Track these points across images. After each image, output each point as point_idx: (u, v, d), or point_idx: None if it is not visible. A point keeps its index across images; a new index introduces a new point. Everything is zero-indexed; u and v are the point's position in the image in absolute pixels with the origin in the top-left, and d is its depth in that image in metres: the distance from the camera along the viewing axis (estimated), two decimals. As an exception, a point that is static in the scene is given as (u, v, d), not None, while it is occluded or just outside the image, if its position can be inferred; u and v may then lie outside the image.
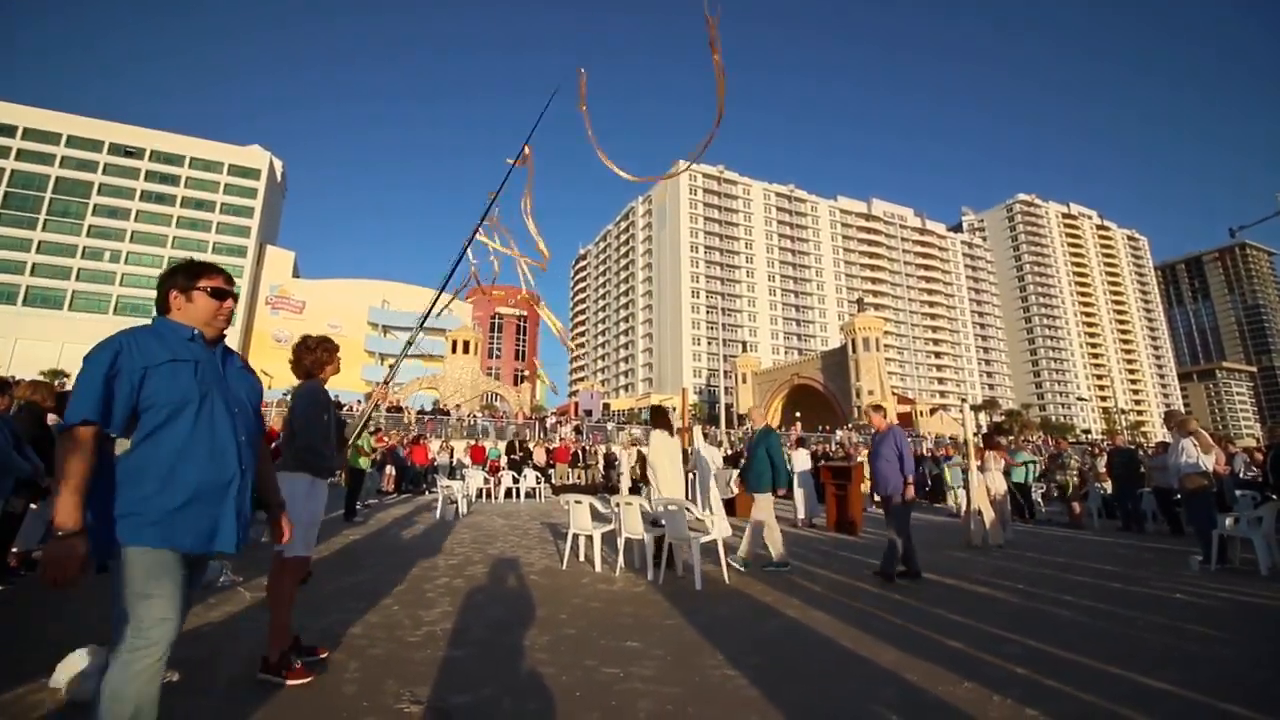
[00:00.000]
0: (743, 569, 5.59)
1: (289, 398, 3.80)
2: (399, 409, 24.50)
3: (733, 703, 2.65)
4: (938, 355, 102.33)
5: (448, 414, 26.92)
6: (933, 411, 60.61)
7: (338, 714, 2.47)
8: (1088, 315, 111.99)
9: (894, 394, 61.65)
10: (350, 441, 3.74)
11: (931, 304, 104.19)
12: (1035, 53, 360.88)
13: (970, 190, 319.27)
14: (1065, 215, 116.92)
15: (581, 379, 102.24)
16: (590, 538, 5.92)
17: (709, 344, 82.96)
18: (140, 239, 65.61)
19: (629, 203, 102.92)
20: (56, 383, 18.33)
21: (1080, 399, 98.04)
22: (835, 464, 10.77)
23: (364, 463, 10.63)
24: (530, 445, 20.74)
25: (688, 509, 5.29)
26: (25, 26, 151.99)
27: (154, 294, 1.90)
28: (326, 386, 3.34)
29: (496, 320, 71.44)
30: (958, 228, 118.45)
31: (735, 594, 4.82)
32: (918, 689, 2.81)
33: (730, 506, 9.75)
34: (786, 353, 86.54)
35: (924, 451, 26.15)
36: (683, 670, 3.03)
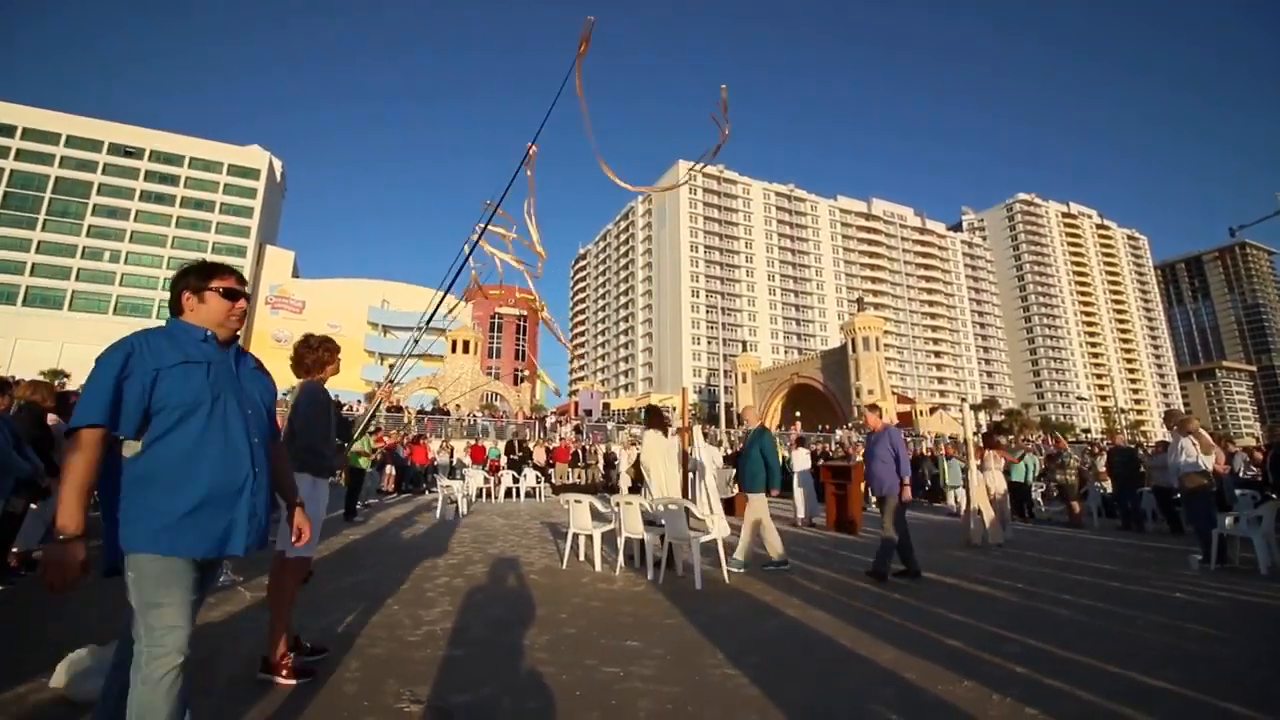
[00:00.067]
0: (742, 570, 5.59)
1: (288, 397, 3.80)
2: (399, 409, 24.50)
3: (733, 702, 2.65)
4: (937, 355, 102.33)
5: (447, 414, 26.92)
6: (932, 411, 60.60)
7: (338, 713, 2.47)
8: (1088, 314, 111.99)
9: (894, 393, 61.63)
10: (356, 437, 3.76)
11: (931, 303, 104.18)
12: (1035, 52, 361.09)
13: (970, 190, 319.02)
14: (1065, 215, 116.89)
15: (581, 378, 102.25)
16: (590, 537, 5.92)
17: (709, 343, 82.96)
18: (140, 239, 65.60)
19: (629, 202, 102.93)
20: (56, 383, 18.32)
21: (1080, 398, 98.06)
22: (835, 463, 10.78)
23: (364, 463, 10.63)
24: (530, 445, 20.75)
25: (688, 508, 5.29)
26: (25, 26, 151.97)
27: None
28: (326, 386, 3.34)
29: (496, 320, 71.44)
30: (958, 227, 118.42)
31: (735, 593, 4.82)
32: (917, 688, 2.81)
33: (730, 506, 9.76)
34: (786, 352, 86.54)
35: (924, 451, 26.17)
36: (683, 669, 3.03)
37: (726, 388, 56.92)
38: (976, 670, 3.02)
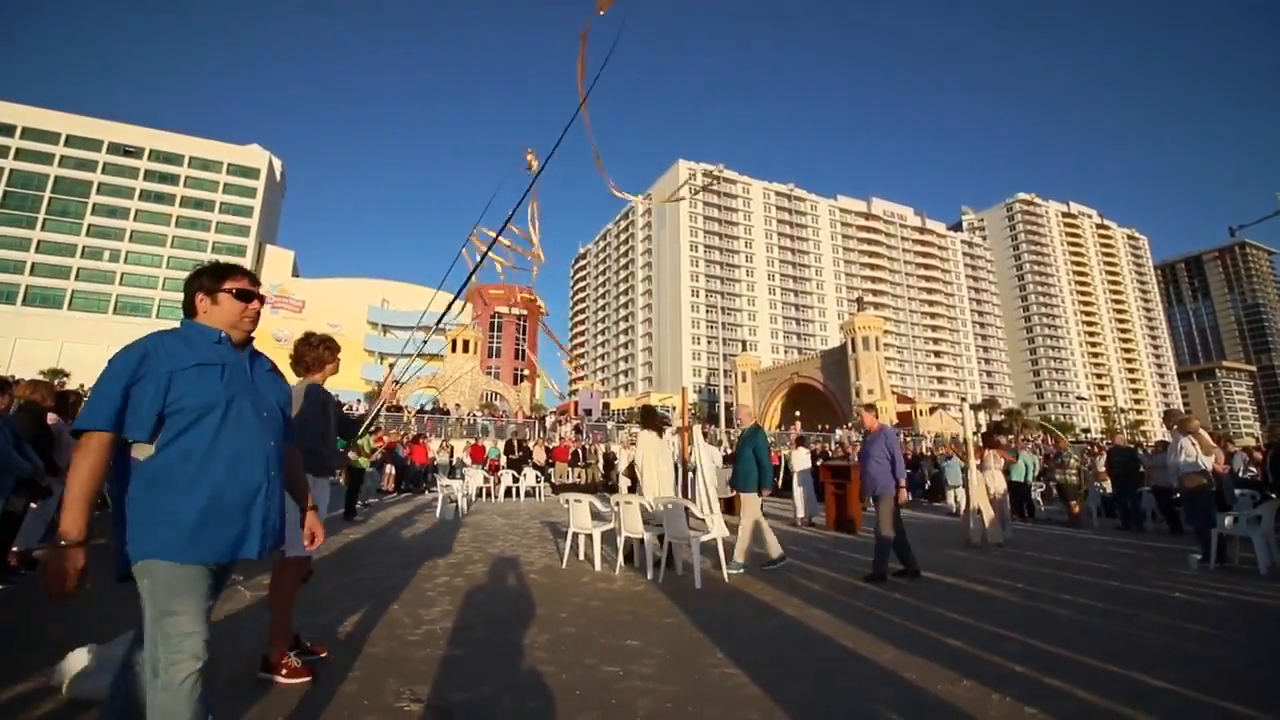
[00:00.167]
0: (741, 570, 5.59)
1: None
2: (398, 408, 24.50)
3: (732, 701, 2.65)
4: (937, 354, 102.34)
5: (447, 413, 26.94)
6: (932, 410, 60.61)
7: (338, 712, 2.47)
8: (1087, 314, 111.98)
9: (894, 393, 61.63)
10: (360, 434, 3.77)
11: (931, 303, 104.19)
12: (1035, 52, 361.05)
13: (970, 189, 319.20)
14: (1065, 214, 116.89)
15: (581, 378, 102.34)
16: (590, 536, 5.92)
17: (709, 343, 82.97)
18: (139, 238, 65.60)
19: (628, 202, 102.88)
20: (56, 382, 18.31)
21: (1080, 398, 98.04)
22: (834, 463, 10.78)
23: (364, 462, 10.64)
24: (530, 444, 20.75)
25: (687, 508, 5.29)
26: (25, 26, 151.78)
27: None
28: (325, 386, 3.34)
29: (496, 319, 71.41)
30: (957, 227, 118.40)
31: (735, 592, 4.83)
32: (917, 687, 2.81)
33: (730, 506, 9.75)
34: (786, 352, 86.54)
35: (923, 450, 26.18)
36: (682, 668, 3.04)
37: (726, 387, 56.92)
38: (976, 669, 3.03)
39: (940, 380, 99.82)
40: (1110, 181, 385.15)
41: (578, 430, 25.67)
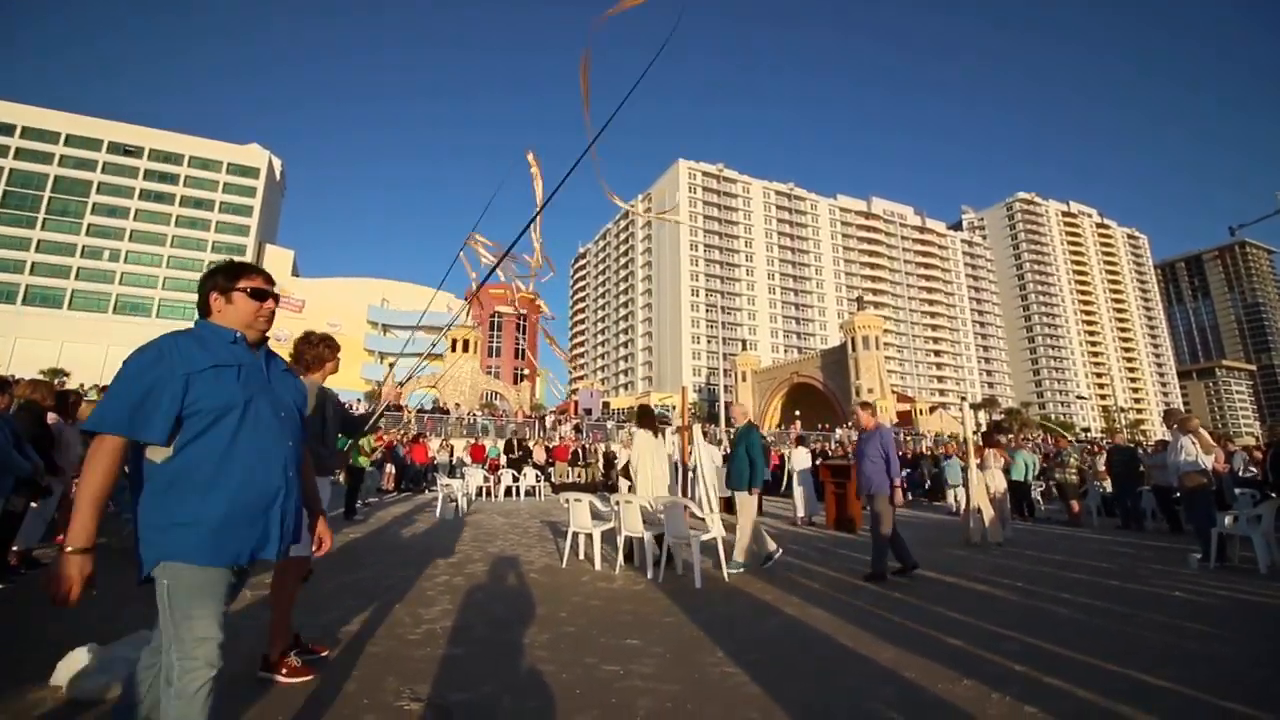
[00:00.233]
0: (741, 569, 5.59)
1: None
2: (398, 408, 24.49)
3: (732, 700, 2.65)
4: (937, 354, 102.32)
5: (447, 412, 26.94)
6: (932, 410, 60.60)
7: (338, 712, 2.47)
8: (1087, 313, 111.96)
9: (894, 392, 61.62)
10: (365, 431, 3.77)
11: (931, 302, 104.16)
12: (1035, 52, 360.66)
13: (970, 188, 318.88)
14: (1065, 213, 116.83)
15: (581, 377, 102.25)
16: (590, 536, 5.92)
17: (709, 342, 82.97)
18: (139, 238, 65.56)
19: (629, 201, 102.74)
20: (56, 381, 18.32)
21: (1080, 397, 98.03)
22: (834, 462, 10.77)
23: (364, 461, 10.65)
24: (530, 444, 20.76)
25: (688, 507, 5.29)
26: (25, 26, 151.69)
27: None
28: (325, 385, 3.34)
29: (496, 319, 71.39)
30: (957, 226, 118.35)
31: (734, 592, 4.83)
32: (916, 686, 2.81)
33: (729, 505, 9.75)
34: (786, 351, 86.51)
35: (923, 450, 26.19)
36: (682, 667, 3.04)
37: (726, 386, 56.93)
38: (976, 669, 3.03)
39: (940, 379, 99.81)
40: (1110, 181, 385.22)
41: (578, 430, 25.67)
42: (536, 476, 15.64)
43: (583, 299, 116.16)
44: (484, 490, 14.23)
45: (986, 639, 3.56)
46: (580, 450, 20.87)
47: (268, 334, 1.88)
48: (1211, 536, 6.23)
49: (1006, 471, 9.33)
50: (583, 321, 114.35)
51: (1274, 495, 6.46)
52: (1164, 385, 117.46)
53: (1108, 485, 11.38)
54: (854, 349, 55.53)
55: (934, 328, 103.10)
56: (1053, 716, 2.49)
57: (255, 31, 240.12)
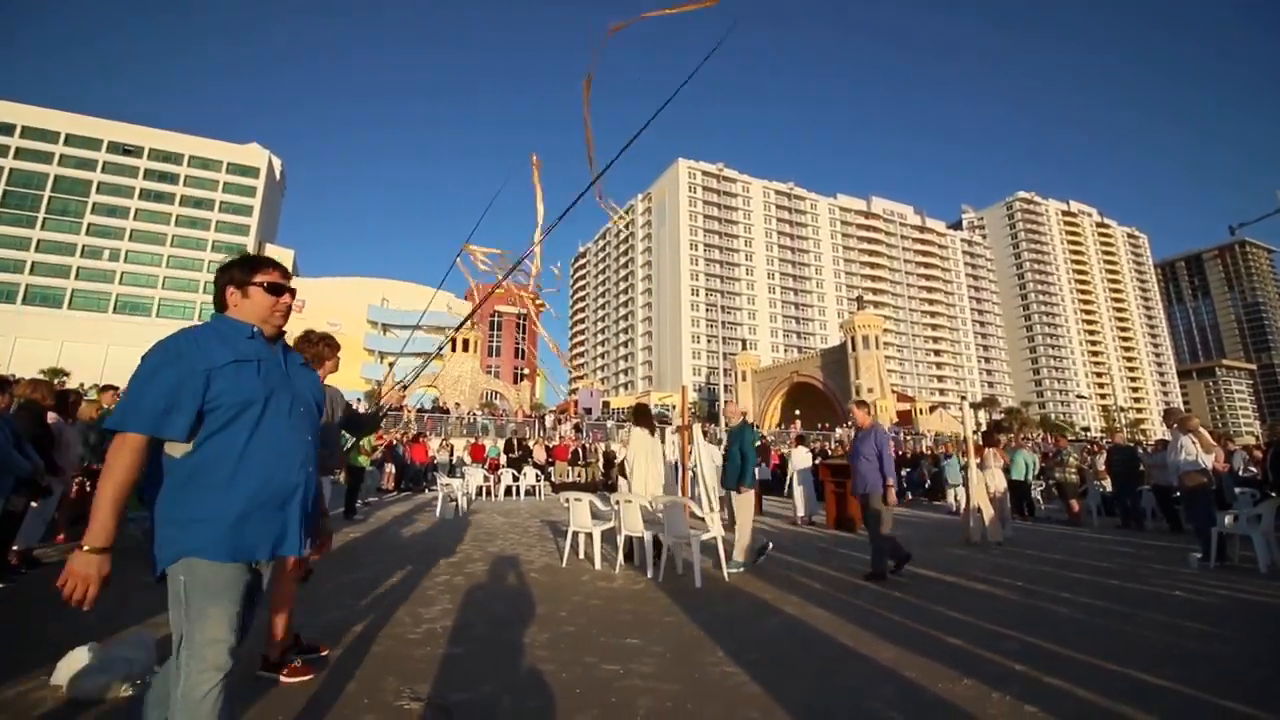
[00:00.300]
0: (741, 569, 5.59)
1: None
2: (399, 407, 24.51)
3: (732, 699, 2.65)
4: (937, 353, 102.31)
5: (447, 412, 26.95)
6: (932, 409, 60.60)
7: (338, 711, 2.47)
8: (1087, 313, 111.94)
9: (894, 391, 61.60)
10: (367, 429, 3.78)
11: (931, 302, 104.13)
12: (1035, 51, 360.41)
13: (970, 188, 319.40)
14: (1065, 213, 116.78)
15: (581, 377, 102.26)
16: (590, 535, 5.92)
17: (708, 342, 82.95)
18: (139, 237, 65.57)
19: (628, 200, 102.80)
20: (56, 381, 18.33)
21: (1080, 397, 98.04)
22: (834, 462, 10.77)
23: (364, 461, 10.65)
24: (530, 443, 20.76)
25: (688, 506, 5.29)
26: (25, 26, 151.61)
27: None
28: (327, 383, 3.34)
29: (496, 318, 71.37)
30: (957, 225, 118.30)
31: (735, 591, 4.83)
32: (917, 686, 2.81)
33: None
34: (786, 350, 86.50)
35: (923, 449, 26.19)
36: (682, 667, 3.04)
37: (726, 386, 56.94)
38: (976, 668, 3.03)
39: (940, 379, 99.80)
40: (1110, 180, 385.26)
41: (578, 429, 25.67)
42: (536, 476, 15.63)
43: (583, 299, 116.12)
44: (484, 490, 14.23)
45: (986, 638, 3.56)
46: (580, 450, 20.87)
47: (284, 328, 1.86)
48: (1211, 536, 6.23)
49: (1006, 471, 9.33)
50: (583, 320, 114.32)
51: (1274, 495, 6.45)
52: (1164, 384, 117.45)
53: (1108, 485, 11.38)
54: (854, 348, 55.51)
55: (934, 327, 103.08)
56: (1053, 716, 2.49)
57: (255, 31, 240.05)
